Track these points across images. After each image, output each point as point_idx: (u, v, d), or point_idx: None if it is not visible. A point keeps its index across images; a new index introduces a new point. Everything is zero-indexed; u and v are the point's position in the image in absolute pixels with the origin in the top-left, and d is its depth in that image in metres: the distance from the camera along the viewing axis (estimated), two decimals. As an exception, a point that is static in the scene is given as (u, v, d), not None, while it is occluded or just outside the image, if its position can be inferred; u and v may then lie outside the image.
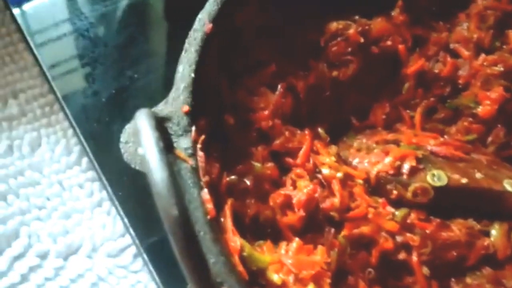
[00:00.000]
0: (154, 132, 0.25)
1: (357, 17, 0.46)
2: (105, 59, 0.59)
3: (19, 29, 0.60)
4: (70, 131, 0.57)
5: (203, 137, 0.34)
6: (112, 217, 0.54)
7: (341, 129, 0.47)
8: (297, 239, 0.38)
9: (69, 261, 0.52)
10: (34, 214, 0.53)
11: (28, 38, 0.59)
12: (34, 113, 0.58)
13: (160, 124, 0.31)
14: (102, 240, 0.53)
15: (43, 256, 0.51)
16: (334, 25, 0.44)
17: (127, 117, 0.54)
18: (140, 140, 0.25)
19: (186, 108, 0.33)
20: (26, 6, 0.61)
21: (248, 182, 0.39)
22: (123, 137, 0.32)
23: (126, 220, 0.52)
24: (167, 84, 0.38)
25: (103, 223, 0.54)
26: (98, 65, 0.58)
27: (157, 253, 0.50)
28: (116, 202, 0.52)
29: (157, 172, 0.24)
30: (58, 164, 0.55)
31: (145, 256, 0.51)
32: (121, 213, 0.52)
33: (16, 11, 0.60)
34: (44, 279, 0.50)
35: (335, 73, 0.45)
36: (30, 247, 0.51)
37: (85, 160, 0.56)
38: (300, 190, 0.39)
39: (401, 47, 0.46)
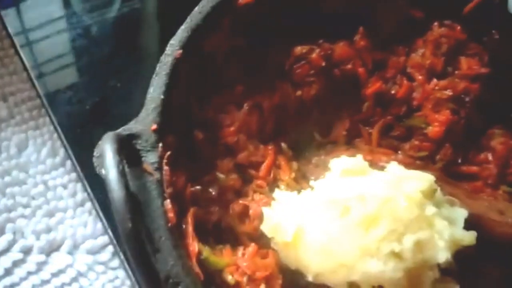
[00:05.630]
0: (115, 156, 0.29)
1: (321, 41, 0.49)
2: (91, 68, 0.61)
3: (8, 35, 0.63)
4: (56, 134, 0.59)
5: (169, 152, 0.38)
6: (93, 216, 0.56)
7: (305, 144, 0.50)
8: (253, 244, 0.42)
9: (51, 257, 0.54)
10: (19, 211, 0.55)
11: (16, 42, 0.62)
12: (22, 116, 0.60)
13: (129, 141, 0.35)
14: (83, 238, 0.55)
15: (27, 252, 0.54)
16: (298, 49, 0.48)
17: (109, 124, 0.59)
18: (103, 162, 0.29)
19: (154, 126, 0.37)
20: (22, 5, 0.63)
21: (213, 192, 0.43)
22: (96, 152, 0.36)
23: (104, 220, 0.54)
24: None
25: (84, 222, 0.56)
26: (84, 73, 0.61)
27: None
28: (96, 204, 0.55)
29: (115, 192, 0.28)
30: (44, 165, 0.58)
31: (121, 255, 0.53)
32: (100, 214, 0.55)
33: (12, 11, 0.62)
34: (27, 273, 0.53)
35: (299, 92, 0.49)
36: (14, 242, 0.54)
37: (69, 162, 0.58)
38: (256, 202, 0.43)
39: (361, 70, 0.49)
